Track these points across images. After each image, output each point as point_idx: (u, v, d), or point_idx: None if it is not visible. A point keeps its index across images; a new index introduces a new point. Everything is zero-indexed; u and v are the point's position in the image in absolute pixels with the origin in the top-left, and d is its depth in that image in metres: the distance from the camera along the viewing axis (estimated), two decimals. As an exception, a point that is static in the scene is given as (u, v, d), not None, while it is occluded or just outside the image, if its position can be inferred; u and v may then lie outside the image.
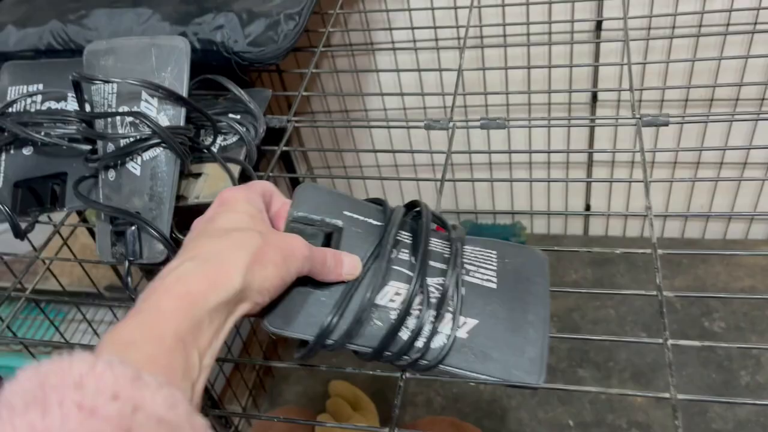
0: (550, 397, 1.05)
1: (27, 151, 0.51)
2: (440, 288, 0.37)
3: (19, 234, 0.47)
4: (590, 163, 1.19)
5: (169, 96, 0.44)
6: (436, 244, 0.40)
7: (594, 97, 1.08)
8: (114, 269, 0.91)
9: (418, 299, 0.36)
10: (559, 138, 1.15)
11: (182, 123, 0.45)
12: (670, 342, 0.33)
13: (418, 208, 0.40)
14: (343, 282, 0.36)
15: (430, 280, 0.37)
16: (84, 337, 1.06)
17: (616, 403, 1.03)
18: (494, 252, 0.41)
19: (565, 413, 1.03)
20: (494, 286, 0.39)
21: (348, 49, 1.08)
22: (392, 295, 0.36)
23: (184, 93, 0.45)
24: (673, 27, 0.96)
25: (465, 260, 0.39)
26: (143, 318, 0.28)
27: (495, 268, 0.40)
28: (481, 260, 0.40)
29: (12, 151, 0.51)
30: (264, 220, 0.36)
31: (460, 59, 0.62)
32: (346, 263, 0.36)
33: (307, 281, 0.36)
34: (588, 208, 1.26)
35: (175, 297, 0.29)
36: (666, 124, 0.46)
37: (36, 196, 0.51)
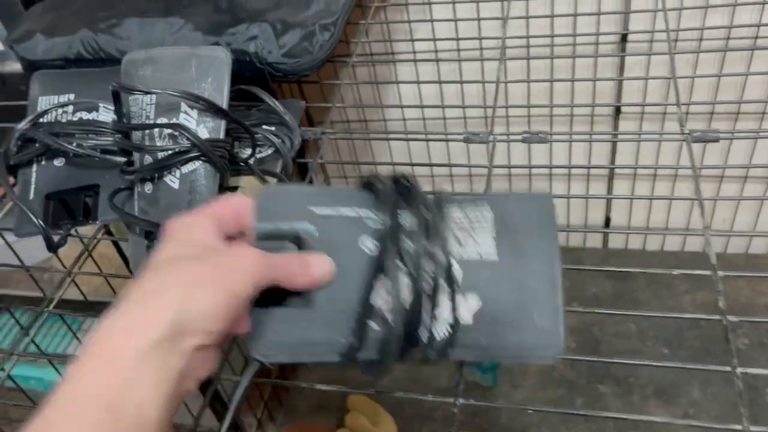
0: (572, 414, 1.04)
1: (59, 162, 0.50)
2: (433, 273, 0.33)
3: (52, 247, 0.46)
4: (611, 176, 1.18)
5: (210, 108, 0.43)
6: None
7: (617, 111, 1.07)
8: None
9: (407, 289, 0.32)
10: (581, 151, 1.14)
11: (222, 135, 0.44)
12: (739, 370, 0.32)
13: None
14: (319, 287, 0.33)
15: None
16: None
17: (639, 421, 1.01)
18: (489, 212, 0.36)
19: (587, 430, 1.02)
20: (495, 257, 0.34)
21: (369, 59, 1.07)
22: (381, 292, 0.33)
23: (224, 105, 0.44)
24: (700, 40, 0.95)
25: (457, 232, 0.35)
26: (63, 393, 0.25)
27: (493, 233, 0.35)
28: (477, 227, 0.36)
29: (43, 163, 0.50)
30: (209, 244, 0.32)
31: (498, 71, 0.61)
32: (314, 263, 0.32)
33: (288, 294, 0.33)
34: (608, 221, 1.25)
35: (95, 356, 0.26)
36: (716, 140, 0.45)
37: (67, 208, 0.50)
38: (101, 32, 0.59)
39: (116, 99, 0.43)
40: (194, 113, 0.43)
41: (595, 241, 1.29)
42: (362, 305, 0.32)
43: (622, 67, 1.01)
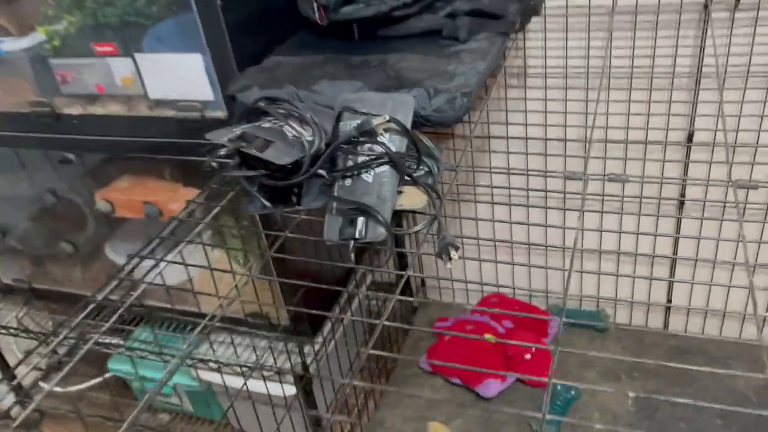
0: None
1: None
2: None
3: (275, 222, 0.67)
4: (674, 263, 1.33)
5: (400, 130, 0.64)
6: None
7: (681, 203, 1.25)
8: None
9: None
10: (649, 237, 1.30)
11: (403, 151, 0.65)
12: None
13: None
14: None
15: None
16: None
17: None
18: None
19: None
20: None
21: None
22: None
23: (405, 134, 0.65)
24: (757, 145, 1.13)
25: None
26: None
27: None
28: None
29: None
30: None
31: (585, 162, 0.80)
32: None
33: None
34: (669, 302, 1.39)
35: None
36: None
37: (279, 196, 0.71)
38: (302, 88, 0.83)
39: (338, 119, 0.65)
40: (387, 135, 0.65)
41: (656, 321, 1.42)
42: None
43: (687, 163, 1.20)
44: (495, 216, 1.38)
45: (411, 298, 1.61)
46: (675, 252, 1.31)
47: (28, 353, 0.77)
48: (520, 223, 1.37)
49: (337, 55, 0.92)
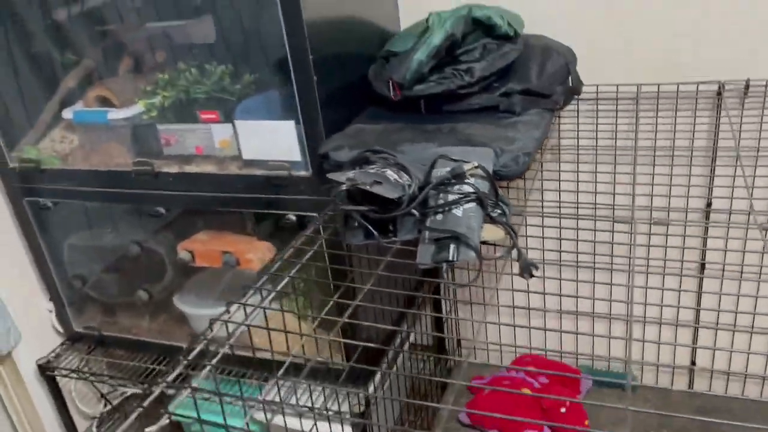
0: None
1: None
2: None
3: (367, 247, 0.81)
4: (697, 329, 1.45)
5: (484, 176, 0.79)
6: None
7: (702, 267, 1.38)
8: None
9: None
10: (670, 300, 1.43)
11: (488, 192, 0.80)
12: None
13: None
14: None
15: None
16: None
17: None
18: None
19: None
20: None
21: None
22: None
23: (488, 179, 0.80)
24: None
25: None
26: None
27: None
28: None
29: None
30: None
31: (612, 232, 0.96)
32: None
33: None
34: (693, 364, 1.49)
35: None
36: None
37: (378, 229, 0.85)
38: (388, 148, 0.99)
39: (432, 165, 0.80)
40: (472, 179, 0.80)
41: (681, 383, 1.52)
42: None
43: (706, 231, 1.34)
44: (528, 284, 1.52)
45: (449, 357, 1.71)
46: (697, 320, 1.44)
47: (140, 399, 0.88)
48: (554, 294, 1.50)
49: (410, 124, 1.09)
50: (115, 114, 1.32)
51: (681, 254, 1.40)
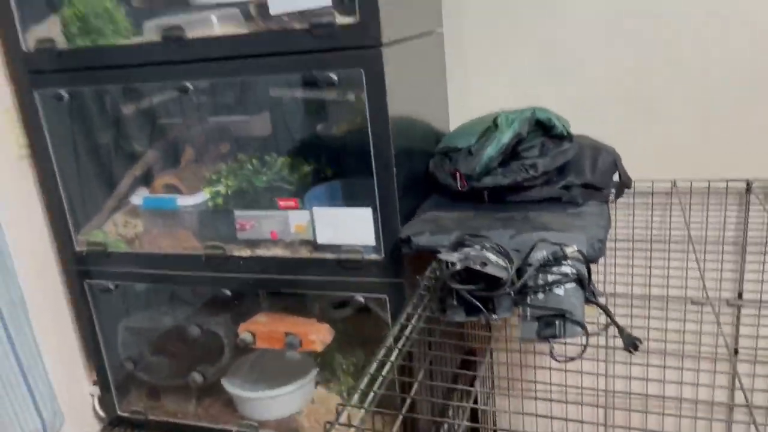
0: None
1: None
2: None
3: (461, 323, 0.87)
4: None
5: (581, 259, 0.87)
6: None
7: (736, 351, 1.46)
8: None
9: None
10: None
11: (585, 274, 0.88)
12: None
13: None
14: None
15: None
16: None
17: None
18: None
19: None
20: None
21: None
22: None
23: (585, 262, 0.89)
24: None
25: None
26: None
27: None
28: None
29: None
30: None
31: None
32: None
33: None
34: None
35: None
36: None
37: (476, 308, 0.91)
38: (469, 234, 1.07)
39: (532, 248, 0.88)
40: (569, 261, 0.88)
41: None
42: None
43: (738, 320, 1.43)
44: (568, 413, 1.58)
45: (487, 444, 1.73)
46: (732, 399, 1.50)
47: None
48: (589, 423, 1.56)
49: (481, 212, 1.19)
50: (184, 200, 1.40)
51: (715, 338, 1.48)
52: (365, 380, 0.81)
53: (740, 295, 1.43)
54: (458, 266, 0.86)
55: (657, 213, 1.45)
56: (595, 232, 1.06)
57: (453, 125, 1.54)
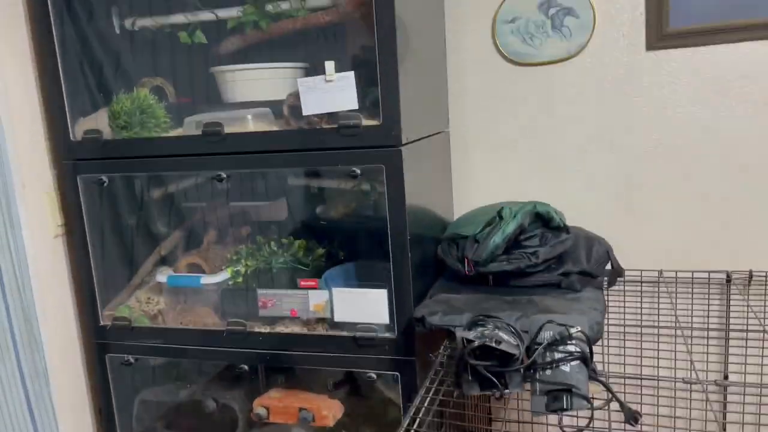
0: None
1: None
2: None
3: (498, 397, 0.96)
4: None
5: (584, 339, 0.98)
6: None
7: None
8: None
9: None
10: None
11: (588, 353, 0.98)
12: None
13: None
14: None
15: None
16: None
17: None
18: None
19: None
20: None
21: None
22: None
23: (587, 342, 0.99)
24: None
25: None
26: None
27: None
28: None
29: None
30: None
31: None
32: None
33: None
34: None
35: None
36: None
37: (488, 383, 1.00)
38: (479, 314, 1.18)
39: (540, 329, 0.99)
40: (574, 340, 0.98)
41: None
42: None
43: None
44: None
45: None
46: None
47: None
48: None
49: (487, 295, 1.29)
50: (207, 279, 1.49)
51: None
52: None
53: (726, 377, 1.53)
54: (476, 343, 0.96)
55: (646, 300, 1.57)
56: (594, 316, 1.16)
57: (457, 214, 1.67)
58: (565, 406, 0.93)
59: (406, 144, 1.25)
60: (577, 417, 1.18)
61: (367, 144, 1.23)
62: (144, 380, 1.58)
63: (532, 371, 0.99)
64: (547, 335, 1.00)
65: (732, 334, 1.52)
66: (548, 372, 0.98)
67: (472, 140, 1.65)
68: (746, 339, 1.50)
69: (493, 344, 0.96)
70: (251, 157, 1.31)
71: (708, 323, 1.53)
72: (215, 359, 1.44)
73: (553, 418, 1.61)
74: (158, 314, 1.52)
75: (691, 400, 1.55)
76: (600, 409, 0.92)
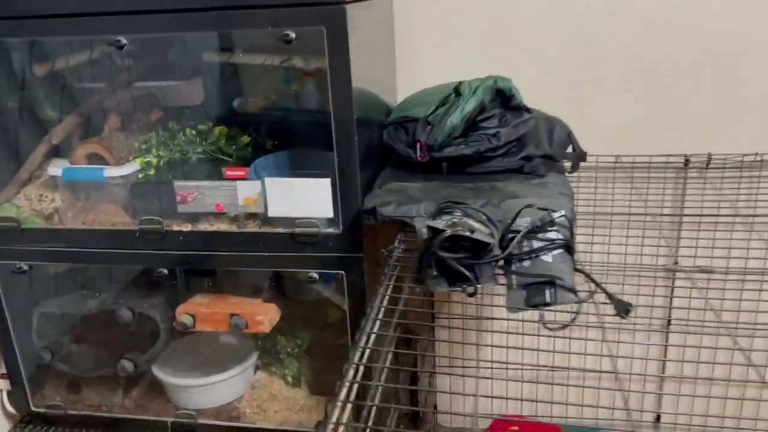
0: None
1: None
2: None
3: (472, 293, 0.83)
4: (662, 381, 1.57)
5: (567, 225, 0.85)
6: None
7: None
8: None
9: None
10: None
11: (571, 240, 0.86)
12: None
13: None
14: None
15: None
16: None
17: None
18: None
19: None
20: None
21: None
22: None
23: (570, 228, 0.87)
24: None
25: None
26: None
27: None
28: None
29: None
30: None
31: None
32: None
33: None
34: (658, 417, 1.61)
35: None
36: None
37: (457, 277, 0.87)
38: (437, 203, 1.03)
39: (517, 214, 0.85)
40: (556, 227, 0.85)
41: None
42: None
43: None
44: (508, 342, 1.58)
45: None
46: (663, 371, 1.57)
47: None
48: (531, 350, 1.57)
49: (446, 183, 1.14)
50: (112, 171, 1.26)
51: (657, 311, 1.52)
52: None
53: (676, 263, 1.49)
54: (448, 233, 0.81)
55: (600, 186, 1.47)
56: (567, 201, 1.04)
57: (400, 97, 1.49)
58: (548, 300, 0.81)
59: (350, 2, 1.04)
60: (555, 312, 1.08)
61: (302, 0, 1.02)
62: (43, 290, 1.36)
63: (507, 263, 0.87)
64: (525, 222, 0.87)
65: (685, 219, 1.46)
66: (526, 263, 0.85)
67: (419, 12, 1.45)
68: (700, 221, 1.45)
69: (467, 233, 0.82)
70: (154, 17, 1.06)
71: (663, 209, 1.46)
72: (128, 263, 1.24)
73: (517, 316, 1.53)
74: (54, 213, 1.29)
75: (639, 286, 1.50)
76: (586, 302, 0.81)
